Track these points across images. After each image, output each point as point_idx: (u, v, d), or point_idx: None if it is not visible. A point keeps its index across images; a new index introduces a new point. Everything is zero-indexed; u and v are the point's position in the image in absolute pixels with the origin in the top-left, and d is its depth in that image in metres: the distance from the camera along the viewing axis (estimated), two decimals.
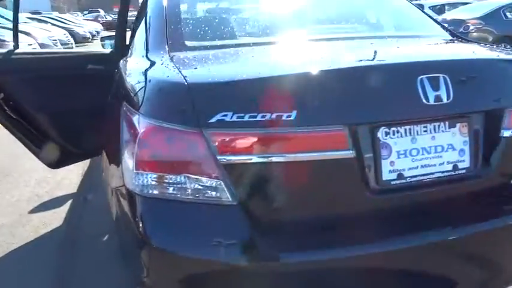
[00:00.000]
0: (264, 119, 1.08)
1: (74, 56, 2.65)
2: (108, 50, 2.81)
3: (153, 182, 1.15)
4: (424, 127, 1.21)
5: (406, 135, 1.20)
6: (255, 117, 1.08)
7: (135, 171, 1.16)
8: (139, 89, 1.29)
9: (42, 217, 2.81)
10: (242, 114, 1.08)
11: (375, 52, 1.42)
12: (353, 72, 1.16)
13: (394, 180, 1.20)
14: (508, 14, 8.42)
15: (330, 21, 1.90)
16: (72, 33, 15.29)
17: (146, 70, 1.41)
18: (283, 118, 1.08)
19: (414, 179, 1.21)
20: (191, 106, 1.12)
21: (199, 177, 1.12)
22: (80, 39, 16.81)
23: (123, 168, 1.24)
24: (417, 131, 1.21)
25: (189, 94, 1.14)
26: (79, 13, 36.61)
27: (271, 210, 1.13)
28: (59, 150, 2.73)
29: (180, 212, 1.14)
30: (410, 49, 1.53)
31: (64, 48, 11.46)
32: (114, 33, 4.19)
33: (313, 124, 1.10)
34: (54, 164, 2.85)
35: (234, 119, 1.08)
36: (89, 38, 19.14)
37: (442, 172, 1.24)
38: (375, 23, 1.97)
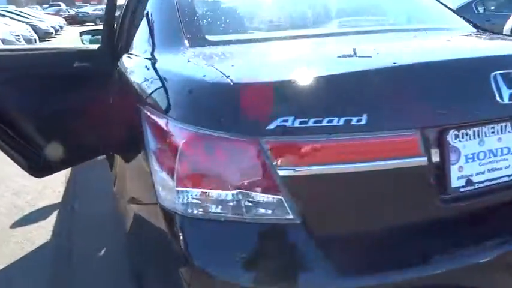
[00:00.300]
0: (331, 124, 0.94)
1: (58, 52, 2.40)
2: (95, 46, 2.56)
3: (199, 200, 0.98)
4: (492, 128, 1.10)
5: (474, 137, 1.08)
6: (321, 122, 0.94)
7: (176, 188, 0.98)
8: (170, 91, 1.12)
9: (26, 232, 2.55)
10: (305, 119, 0.93)
11: (440, 46, 1.30)
12: (424, 68, 1.03)
13: (462, 187, 1.08)
14: (479, 7, 8.63)
15: (359, 13, 1.77)
16: (34, 28, 14.50)
17: (171, 68, 1.23)
18: (353, 123, 0.94)
19: (482, 184, 1.10)
20: (243, 110, 0.96)
21: (255, 193, 0.96)
22: (42, 35, 15.95)
23: (155, 183, 1.06)
24: (485, 133, 1.10)
25: (238, 96, 0.97)
26: (38, 7, 34.90)
27: (338, 228, 0.99)
28: (44, 156, 2.48)
29: (232, 234, 0.98)
30: (469, 42, 1.42)
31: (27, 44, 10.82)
32: (93, 28, 3.94)
33: (385, 129, 0.96)
34: (38, 172, 2.60)
35: (297, 124, 0.93)
36: (52, 33, 18.24)
37: (509, 176, 1.14)
38: (404, 15, 1.85)
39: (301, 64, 1.11)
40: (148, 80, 1.28)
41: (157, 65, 1.32)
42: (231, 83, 0.99)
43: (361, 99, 0.97)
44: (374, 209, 1.00)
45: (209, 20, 1.53)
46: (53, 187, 3.18)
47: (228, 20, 1.55)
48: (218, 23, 1.52)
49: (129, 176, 1.35)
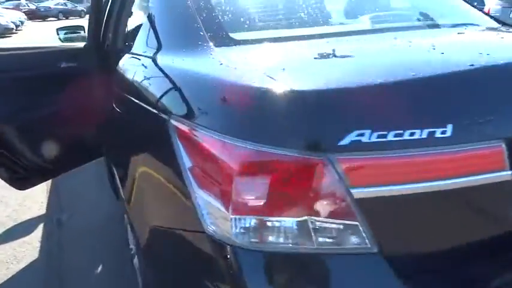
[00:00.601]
0: (413, 137, 0.81)
1: (42, 52, 2.17)
2: (81, 44, 2.35)
3: (259, 230, 0.84)
4: None
5: None
6: (402, 135, 0.81)
7: (231, 216, 0.84)
8: (211, 101, 0.96)
9: (10, 249, 2.31)
10: (384, 133, 0.80)
11: (501, 44, 1.20)
12: (499, 70, 0.92)
13: None
14: None
15: (389, 8, 1.65)
16: None
17: (203, 73, 1.06)
18: (437, 135, 0.82)
19: None
20: (310, 123, 0.82)
21: (326, 219, 0.83)
22: (2, 30, 15.11)
23: (198, 208, 0.91)
24: None
25: (303, 106, 0.83)
26: None
27: (420, 255, 0.87)
28: (25, 166, 2.25)
29: (299, 267, 0.85)
30: None
31: None
32: (69, 24, 3.67)
33: (471, 140, 0.84)
34: (21, 184, 2.36)
35: (374, 138, 0.80)
36: (13, 28, 17.27)
37: None
38: (430, 10, 1.74)
39: (367, 67, 0.97)
40: (174, 86, 1.11)
41: (182, 69, 1.15)
42: (292, 91, 0.85)
43: (444, 107, 0.85)
44: (457, 232, 0.89)
45: (229, 15, 1.36)
46: (34, 197, 2.92)
47: (251, 15, 1.40)
48: (241, 19, 1.36)
49: (152, 196, 1.18)
